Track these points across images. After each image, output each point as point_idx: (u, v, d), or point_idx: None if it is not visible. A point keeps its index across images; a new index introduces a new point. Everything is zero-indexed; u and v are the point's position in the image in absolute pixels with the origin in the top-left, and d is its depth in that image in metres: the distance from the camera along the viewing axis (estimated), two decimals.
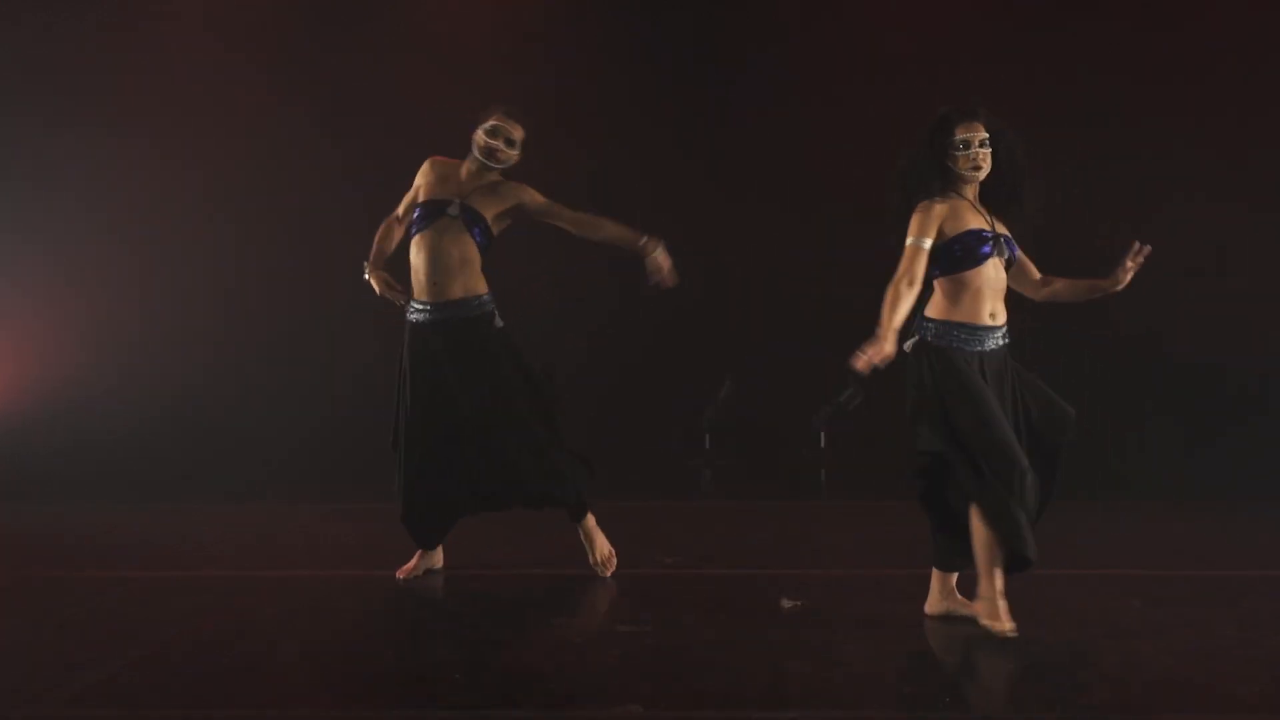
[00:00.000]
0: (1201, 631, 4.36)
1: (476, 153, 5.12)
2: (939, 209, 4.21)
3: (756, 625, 4.52)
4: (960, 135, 4.23)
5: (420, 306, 5.12)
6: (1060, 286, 4.50)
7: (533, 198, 5.21)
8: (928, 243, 4.18)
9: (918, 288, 4.18)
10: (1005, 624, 4.11)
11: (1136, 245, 4.34)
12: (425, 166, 5.23)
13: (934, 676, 3.90)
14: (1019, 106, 7.98)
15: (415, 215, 5.14)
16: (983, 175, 4.27)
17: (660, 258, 5.15)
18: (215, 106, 8.46)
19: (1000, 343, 4.29)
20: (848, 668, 3.88)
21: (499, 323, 5.16)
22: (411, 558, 5.25)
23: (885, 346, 4.03)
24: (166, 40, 8.47)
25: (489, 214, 5.12)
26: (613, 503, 7.34)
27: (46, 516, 6.98)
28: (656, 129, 8.42)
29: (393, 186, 5.40)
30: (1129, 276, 4.38)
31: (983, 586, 4.19)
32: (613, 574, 5.26)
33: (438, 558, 5.31)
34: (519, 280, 8.37)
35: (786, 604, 4.71)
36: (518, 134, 5.13)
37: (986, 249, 4.22)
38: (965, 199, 4.29)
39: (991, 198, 4.33)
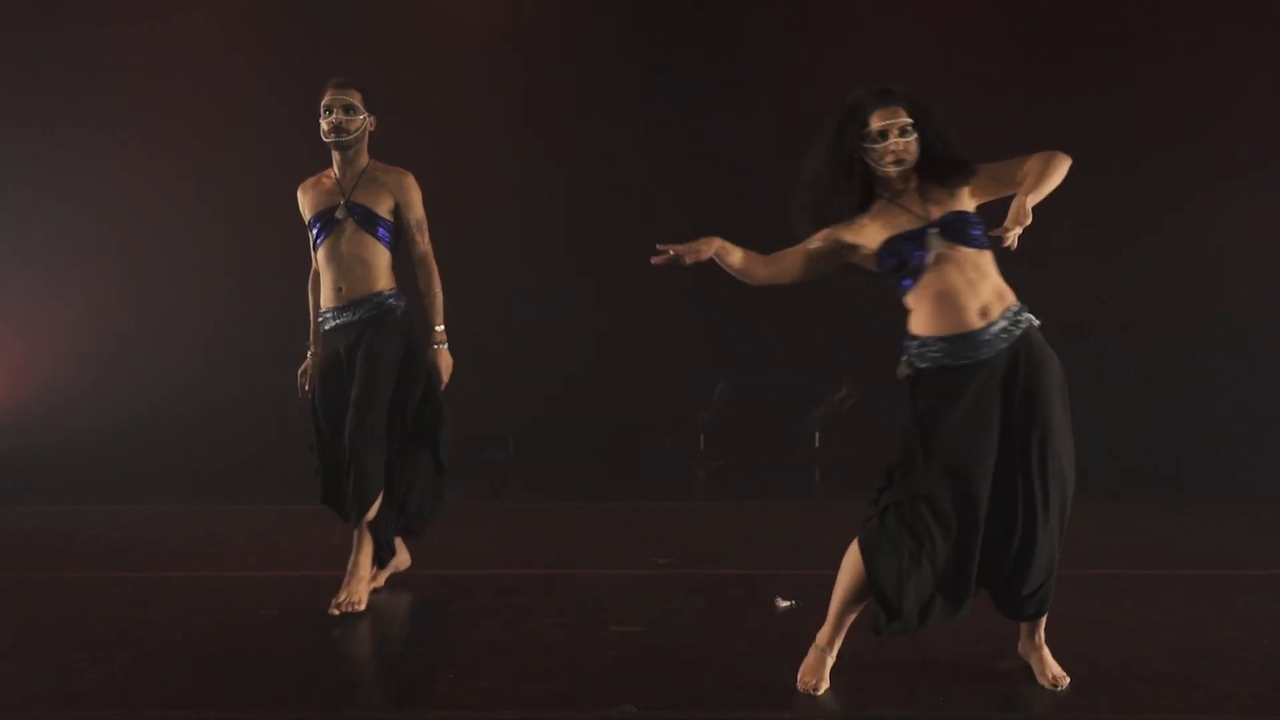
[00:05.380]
0: (1197, 631, 4.37)
1: (326, 141, 4.81)
2: (840, 229, 3.74)
3: (751, 625, 4.54)
4: (876, 124, 3.64)
5: (326, 313, 4.92)
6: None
7: (407, 202, 4.88)
8: (815, 244, 3.77)
9: (774, 267, 3.83)
10: (820, 685, 3.73)
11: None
12: (298, 195, 5.00)
13: (931, 676, 3.90)
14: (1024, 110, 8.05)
15: (313, 233, 4.93)
16: (907, 168, 3.66)
17: (445, 358, 4.90)
18: (204, 108, 8.46)
19: (1004, 338, 3.58)
20: (844, 668, 3.89)
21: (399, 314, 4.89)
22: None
23: (700, 246, 3.71)
24: (157, 41, 8.47)
25: (381, 208, 4.84)
26: (608, 504, 7.39)
27: (43, 517, 6.97)
28: (643, 127, 8.43)
29: None
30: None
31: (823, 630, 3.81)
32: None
33: (405, 558, 5.20)
34: (512, 282, 8.45)
35: (782, 604, 4.71)
36: (354, 98, 4.78)
37: (919, 253, 3.61)
38: (886, 198, 3.72)
39: (936, 176, 3.70)
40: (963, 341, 3.58)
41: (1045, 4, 8.31)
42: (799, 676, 3.76)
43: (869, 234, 3.70)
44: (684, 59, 8.41)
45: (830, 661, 3.78)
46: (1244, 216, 7.99)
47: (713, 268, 7.98)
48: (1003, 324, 3.59)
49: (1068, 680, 3.78)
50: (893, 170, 3.66)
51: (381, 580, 5.14)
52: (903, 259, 3.63)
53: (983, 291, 3.60)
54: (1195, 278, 8.06)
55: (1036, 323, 3.68)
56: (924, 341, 3.64)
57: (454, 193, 7.95)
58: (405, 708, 3.73)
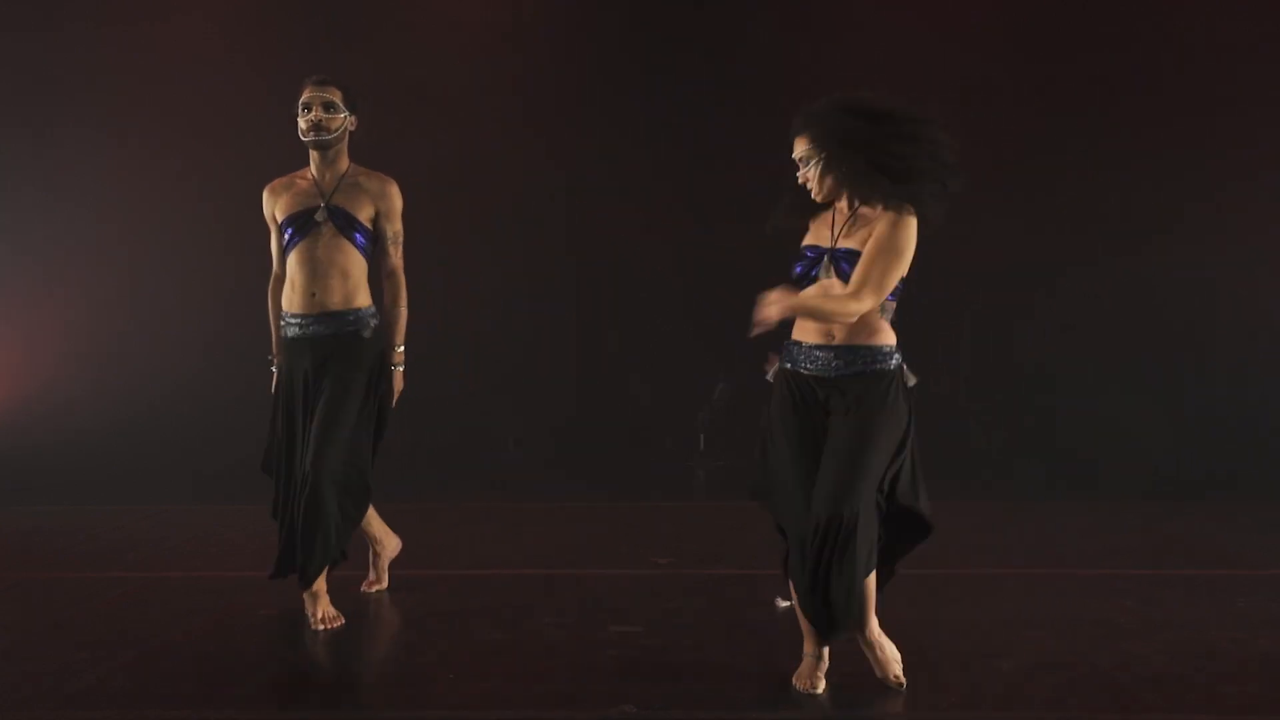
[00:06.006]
0: (1197, 631, 4.37)
1: (305, 140, 4.65)
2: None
3: (751, 625, 4.54)
4: (794, 153, 3.79)
5: (292, 318, 4.68)
6: None
7: (388, 212, 4.70)
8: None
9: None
10: (816, 687, 3.76)
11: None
12: (265, 196, 4.80)
13: (930, 676, 3.90)
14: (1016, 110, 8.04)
15: (285, 236, 4.70)
16: (819, 195, 3.72)
17: (397, 380, 4.75)
18: (204, 108, 8.44)
19: (841, 370, 3.66)
20: (843, 668, 3.89)
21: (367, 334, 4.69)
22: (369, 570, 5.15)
23: (767, 311, 3.45)
24: (157, 41, 8.45)
25: (361, 214, 4.65)
26: (607, 504, 7.39)
27: (43, 517, 6.97)
28: (643, 127, 8.41)
29: None
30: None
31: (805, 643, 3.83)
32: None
33: (395, 542, 5.11)
34: (512, 282, 8.45)
35: (782, 604, 4.70)
36: (335, 95, 4.61)
37: (799, 268, 3.76)
38: (833, 209, 3.80)
39: (867, 204, 3.71)
40: (807, 351, 3.69)
41: (1045, 4, 8.30)
42: (794, 680, 3.77)
43: (809, 231, 3.84)
44: (684, 59, 8.40)
45: (824, 665, 3.79)
46: (1245, 217, 7.98)
47: (710, 267, 8.01)
48: (851, 353, 3.64)
49: (901, 678, 3.77)
50: (815, 197, 3.75)
51: (384, 580, 5.13)
52: (804, 267, 3.74)
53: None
54: (1195, 278, 8.06)
55: (911, 381, 3.70)
56: (787, 343, 3.79)
57: (454, 192, 7.97)
58: (405, 708, 3.73)
